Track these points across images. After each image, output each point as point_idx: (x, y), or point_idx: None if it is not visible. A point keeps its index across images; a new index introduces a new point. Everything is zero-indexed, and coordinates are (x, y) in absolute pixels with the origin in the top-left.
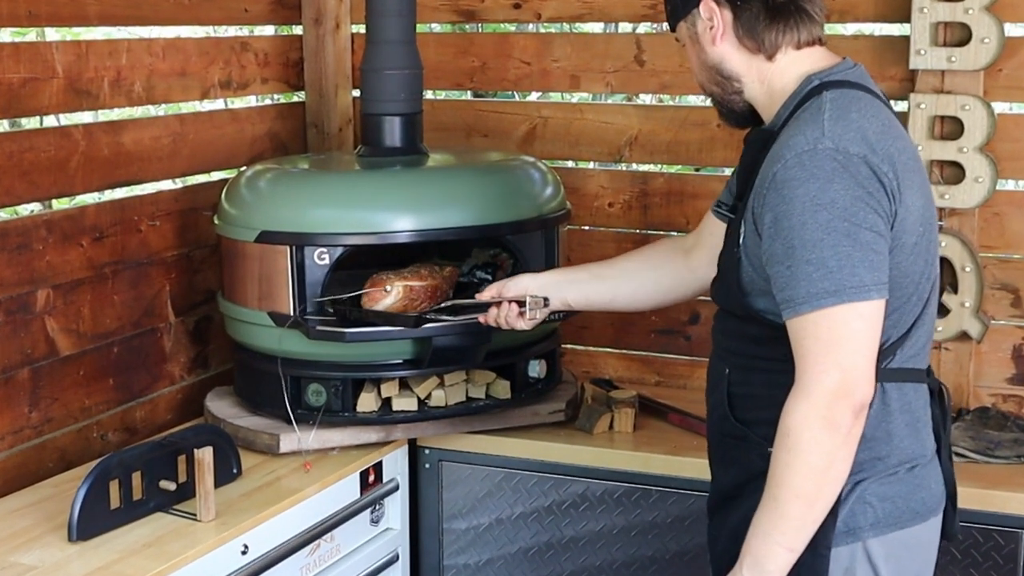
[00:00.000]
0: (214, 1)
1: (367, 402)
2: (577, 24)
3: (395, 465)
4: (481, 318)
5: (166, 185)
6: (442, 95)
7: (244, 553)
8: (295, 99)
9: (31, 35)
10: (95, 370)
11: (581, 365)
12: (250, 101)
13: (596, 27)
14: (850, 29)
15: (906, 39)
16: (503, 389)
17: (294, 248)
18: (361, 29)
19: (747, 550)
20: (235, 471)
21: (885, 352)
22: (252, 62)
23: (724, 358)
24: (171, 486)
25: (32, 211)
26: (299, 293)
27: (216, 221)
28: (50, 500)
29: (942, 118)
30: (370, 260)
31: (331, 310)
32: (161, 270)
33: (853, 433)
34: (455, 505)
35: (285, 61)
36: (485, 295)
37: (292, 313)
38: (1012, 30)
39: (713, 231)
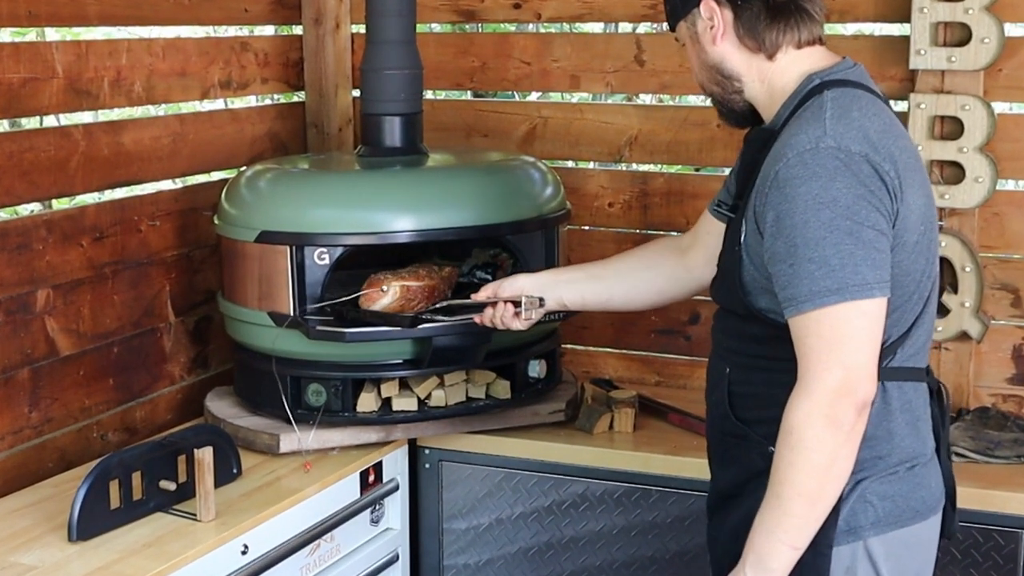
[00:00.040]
0: (214, 1)
1: (367, 402)
2: (577, 24)
3: (395, 465)
4: (477, 318)
5: (166, 185)
6: (442, 95)
7: (244, 553)
8: (295, 99)
9: (31, 35)
10: (95, 370)
11: (581, 365)
12: (250, 101)
13: (596, 27)
14: (850, 29)
15: (906, 39)
16: (503, 389)
17: (294, 248)
18: (361, 29)
19: (750, 548)
20: (235, 471)
21: (886, 351)
22: (252, 62)
23: (724, 357)
24: (171, 486)
25: (32, 211)
26: (299, 293)
27: (216, 221)
28: (50, 500)
29: (942, 118)
30: (370, 260)
31: (328, 310)
32: (161, 270)
33: (856, 431)
34: (455, 505)
35: (285, 61)
36: (481, 295)
37: (292, 313)
38: (1012, 30)
39: (710, 230)
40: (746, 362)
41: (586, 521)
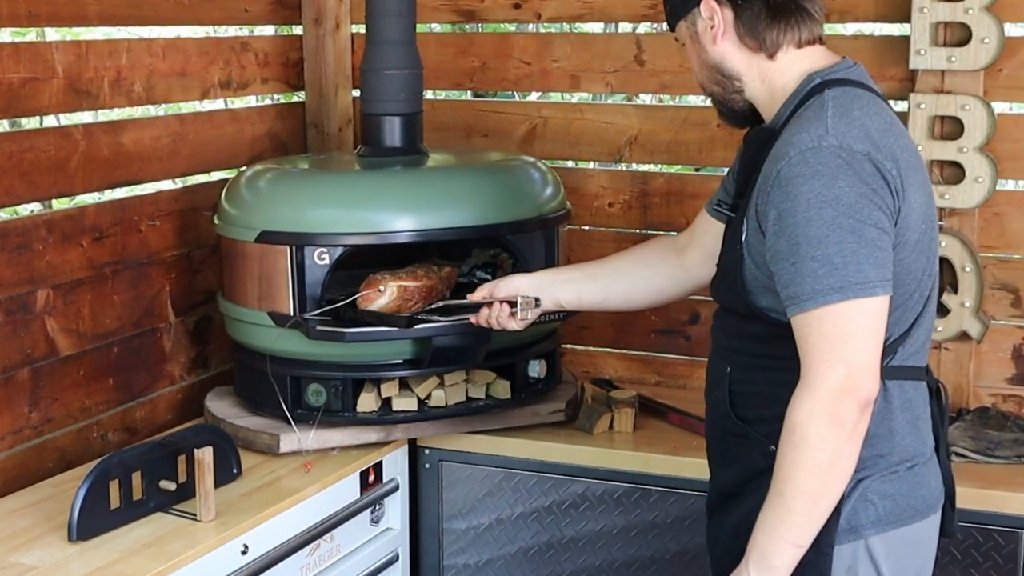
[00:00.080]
0: (214, 1)
1: (367, 402)
2: (577, 24)
3: (395, 465)
4: (472, 318)
5: (166, 185)
6: (442, 95)
7: (244, 553)
8: (295, 99)
9: (31, 35)
10: (95, 370)
11: (581, 365)
12: (250, 101)
13: (596, 27)
14: (850, 29)
15: (906, 39)
16: (503, 389)
17: (294, 248)
18: (361, 29)
19: (753, 546)
20: (235, 471)
21: (887, 349)
22: (252, 62)
23: (725, 356)
24: (171, 486)
25: (32, 211)
26: (299, 293)
27: (216, 221)
28: (50, 500)
29: (942, 118)
30: (370, 260)
31: (323, 305)
32: (161, 270)
33: (859, 429)
34: (455, 505)
35: (285, 61)
36: (476, 295)
37: (292, 313)
38: (1012, 30)
39: (707, 229)
40: (747, 361)
41: (586, 521)
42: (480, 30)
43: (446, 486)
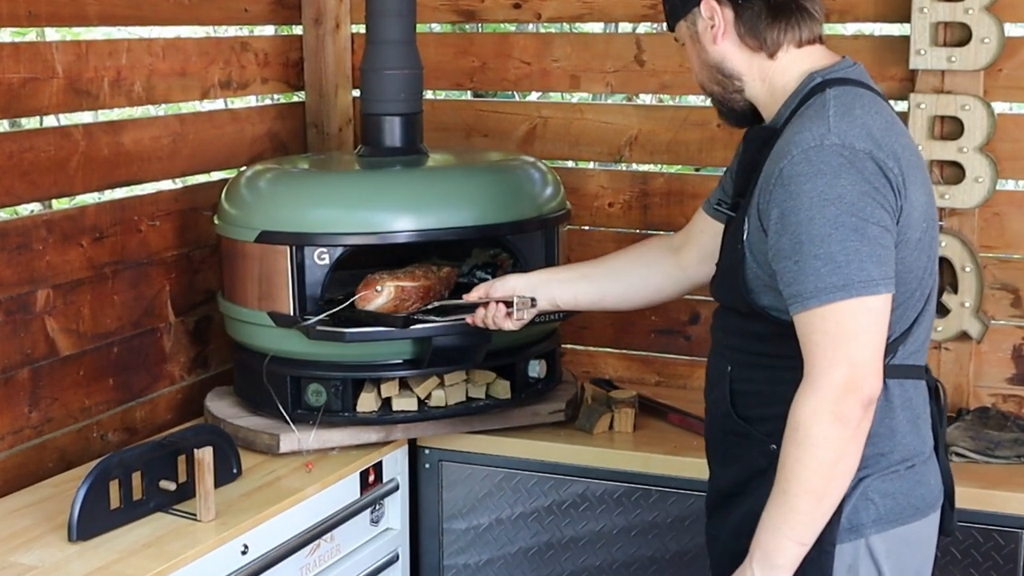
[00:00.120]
0: (214, 1)
1: (367, 402)
2: (577, 24)
3: (395, 465)
4: (469, 319)
5: (166, 185)
6: (442, 95)
7: (244, 553)
8: (295, 99)
9: (31, 35)
10: (95, 370)
11: (581, 365)
12: (250, 101)
13: (596, 27)
14: (850, 29)
15: (906, 39)
16: (503, 389)
17: (294, 248)
18: (361, 29)
19: (756, 545)
20: (235, 471)
21: (888, 348)
22: (252, 62)
23: (725, 355)
24: (171, 486)
25: (32, 211)
26: (299, 293)
27: (216, 221)
28: (50, 500)
29: (942, 118)
30: (370, 260)
31: (323, 306)
32: (161, 270)
33: (862, 427)
34: (455, 505)
35: (285, 61)
36: (472, 296)
37: (292, 313)
38: (1012, 30)
39: (704, 228)
40: (748, 360)
41: (586, 521)
42: (480, 30)
43: (446, 486)
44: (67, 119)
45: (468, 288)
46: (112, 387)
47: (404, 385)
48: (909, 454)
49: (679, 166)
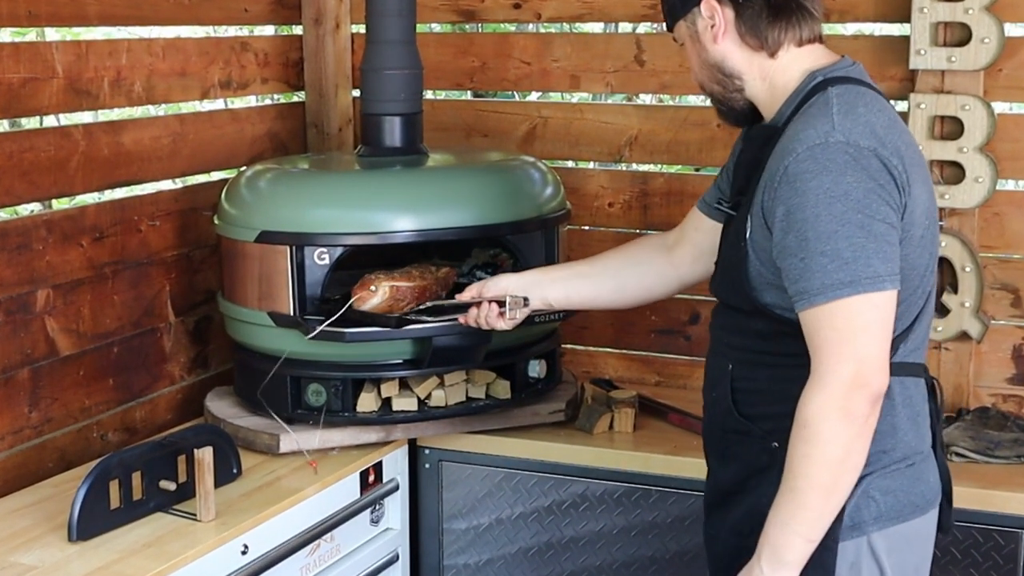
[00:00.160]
0: (214, 1)
1: (367, 402)
2: (577, 24)
3: (395, 465)
4: (461, 318)
5: (166, 185)
6: (442, 95)
7: (244, 553)
8: (295, 99)
9: (31, 35)
10: (95, 370)
11: (581, 365)
12: (250, 101)
13: (596, 27)
14: (850, 29)
15: (906, 39)
16: (503, 389)
17: (294, 248)
18: (361, 29)
19: (764, 542)
20: (235, 471)
21: (891, 346)
22: (252, 62)
23: (726, 354)
24: (171, 486)
25: (32, 211)
26: (299, 293)
27: (216, 221)
28: (50, 500)
29: (942, 118)
30: (370, 260)
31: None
32: (161, 270)
33: (869, 423)
34: (455, 505)
35: (285, 61)
36: (465, 295)
37: (292, 313)
38: (1012, 30)
39: (698, 227)
40: (750, 358)
41: (586, 521)
42: (480, 30)
43: (446, 486)
44: (67, 119)
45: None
46: (112, 387)
47: (404, 385)
48: (910, 452)
49: (679, 166)
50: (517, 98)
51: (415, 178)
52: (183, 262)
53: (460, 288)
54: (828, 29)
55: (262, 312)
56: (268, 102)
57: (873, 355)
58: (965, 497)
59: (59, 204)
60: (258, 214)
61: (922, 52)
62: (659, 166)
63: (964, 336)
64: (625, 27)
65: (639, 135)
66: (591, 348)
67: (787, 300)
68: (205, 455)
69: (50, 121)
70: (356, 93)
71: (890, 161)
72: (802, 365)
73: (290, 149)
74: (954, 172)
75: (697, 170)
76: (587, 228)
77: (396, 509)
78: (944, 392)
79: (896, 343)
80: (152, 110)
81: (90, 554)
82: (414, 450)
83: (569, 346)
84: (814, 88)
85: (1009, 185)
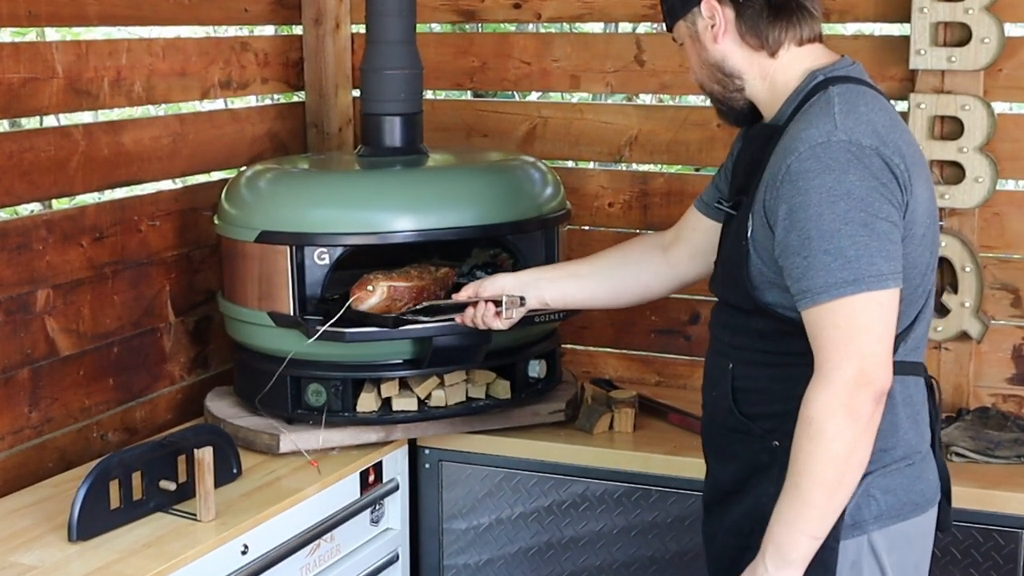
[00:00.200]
0: (214, 1)
1: (367, 402)
2: (577, 24)
3: (395, 465)
4: (458, 318)
5: (166, 185)
6: (442, 95)
7: (244, 553)
8: (295, 99)
9: (31, 35)
10: (95, 370)
11: (581, 365)
12: (250, 101)
13: (596, 27)
14: (850, 29)
15: (906, 39)
16: (503, 389)
17: (294, 248)
18: (361, 29)
19: (769, 540)
20: (235, 471)
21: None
22: (252, 62)
23: (726, 353)
24: (171, 486)
25: (32, 211)
26: (299, 293)
27: (216, 221)
28: (50, 500)
29: (942, 118)
30: (370, 260)
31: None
32: (161, 270)
33: (874, 420)
34: (455, 505)
35: (285, 61)
36: (462, 295)
37: (292, 313)
38: (1012, 30)
39: (695, 226)
40: (751, 357)
41: (586, 521)
42: (480, 30)
43: (446, 486)
44: (67, 119)
45: None
46: (112, 387)
47: (404, 385)
48: (910, 450)
49: (679, 166)
50: (517, 98)
51: (415, 178)
52: (183, 262)
53: (460, 288)
54: (828, 29)
55: (262, 312)
56: (268, 102)
57: (877, 353)
58: (965, 497)
59: (59, 204)
60: (258, 214)
61: (922, 52)
62: (659, 166)
63: (964, 336)
64: (625, 27)
65: (639, 135)
66: (591, 348)
67: (788, 299)
68: (205, 455)
69: (50, 121)
70: (356, 93)
71: (892, 160)
72: (803, 364)
73: (290, 149)
74: (954, 172)
75: (697, 170)
76: (587, 228)
77: (396, 509)
78: (944, 392)
79: (896, 342)
80: (152, 110)
81: (90, 554)
82: (414, 450)
83: (569, 346)
84: (815, 87)
85: (1009, 185)
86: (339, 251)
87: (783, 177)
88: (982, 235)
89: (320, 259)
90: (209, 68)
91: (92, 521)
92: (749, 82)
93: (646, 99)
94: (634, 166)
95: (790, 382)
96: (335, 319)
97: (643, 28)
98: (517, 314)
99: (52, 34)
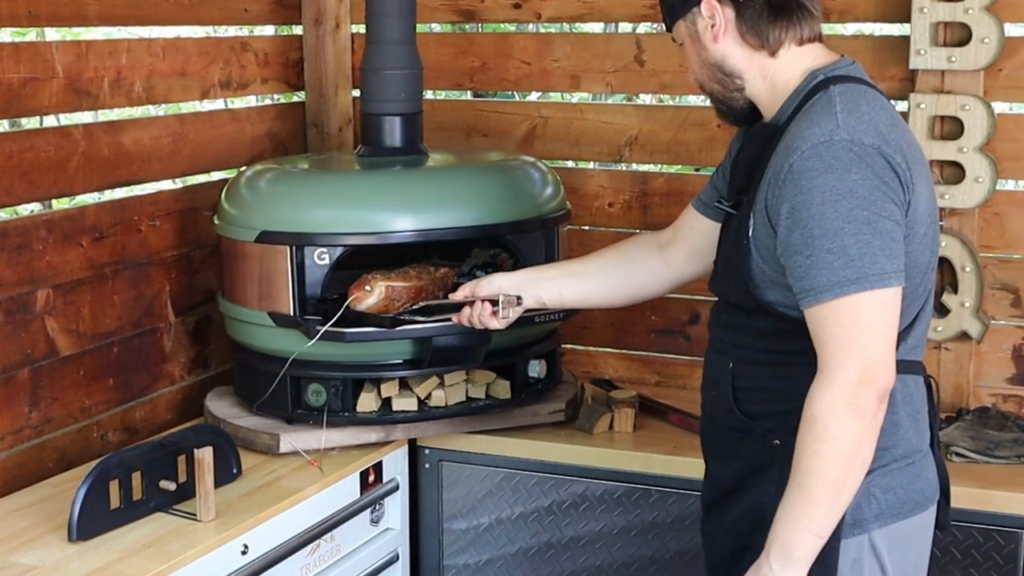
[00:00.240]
0: (214, 1)
1: (367, 402)
2: (577, 24)
3: (395, 465)
4: (455, 318)
5: (166, 185)
6: (442, 95)
7: (244, 553)
8: (295, 99)
9: (31, 35)
10: (95, 370)
11: (581, 365)
12: (250, 101)
13: (596, 27)
14: (850, 29)
15: (906, 39)
16: (503, 389)
17: (294, 248)
18: (361, 29)
19: (773, 539)
20: (235, 471)
21: None
22: (252, 62)
23: (727, 352)
24: (171, 486)
25: (32, 211)
26: (299, 293)
27: (216, 221)
28: (50, 500)
29: (942, 118)
30: (370, 260)
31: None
32: (161, 270)
33: (877, 418)
34: (455, 505)
35: (285, 61)
36: (458, 295)
37: (292, 313)
38: (1012, 30)
39: (693, 226)
40: (752, 357)
41: (586, 521)
42: (480, 30)
43: (446, 486)
44: (67, 119)
45: None
46: (112, 387)
47: (404, 385)
48: (910, 449)
49: (679, 166)
50: (517, 98)
51: (415, 178)
52: (183, 262)
53: (459, 288)
54: (828, 29)
55: (262, 312)
56: (268, 102)
57: (880, 351)
58: (965, 497)
59: (59, 204)
60: (258, 214)
61: (922, 52)
62: (659, 166)
63: (964, 336)
64: (625, 27)
65: (639, 135)
66: (591, 348)
67: (789, 298)
68: (205, 455)
69: (50, 121)
70: (356, 93)
71: (894, 159)
72: (804, 363)
73: (290, 149)
74: (954, 172)
75: (697, 170)
76: (587, 228)
77: (396, 509)
78: (944, 392)
79: (897, 341)
80: (152, 110)
81: (90, 554)
82: (414, 450)
83: (569, 346)
84: (815, 87)
85: (1009, 185)
86: (339, 251)
87: (785, 176)
88: (982, 235)
89: (320, 259)
90: (209, 68)
91: (92, 521)
92: (749, 82)
93: (646, 99)
94: (634, 166)
95: (791, 381)
96: (334, 319)
97: (643, 28)
98: (514, 314)
99: (52, 34)
